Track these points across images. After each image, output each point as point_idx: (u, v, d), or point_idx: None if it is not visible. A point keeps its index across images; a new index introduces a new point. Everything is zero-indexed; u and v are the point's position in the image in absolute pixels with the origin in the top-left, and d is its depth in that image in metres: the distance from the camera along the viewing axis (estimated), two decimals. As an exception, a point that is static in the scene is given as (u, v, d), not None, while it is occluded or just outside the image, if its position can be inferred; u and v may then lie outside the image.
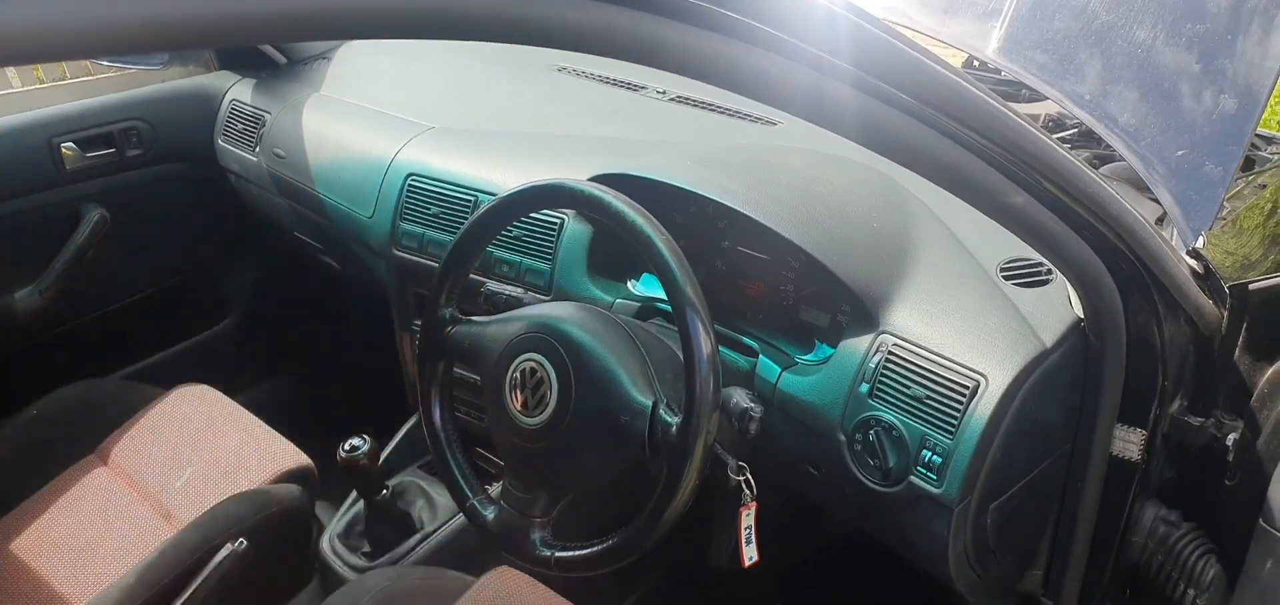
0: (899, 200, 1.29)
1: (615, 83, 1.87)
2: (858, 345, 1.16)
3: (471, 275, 1.52)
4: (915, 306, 1.14)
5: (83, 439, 1.71)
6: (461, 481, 1.23)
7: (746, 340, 1.30)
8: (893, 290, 1.16)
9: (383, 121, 1.91)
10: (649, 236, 1.04)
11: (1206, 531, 1.22)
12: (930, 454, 1.07)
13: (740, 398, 1.09)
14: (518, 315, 1.19)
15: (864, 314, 1.16)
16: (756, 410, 1.07)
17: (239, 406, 1.79)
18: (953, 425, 1.05)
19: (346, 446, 1.50)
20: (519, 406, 1.11)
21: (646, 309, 1.37)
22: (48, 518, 1.57)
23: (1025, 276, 1.15)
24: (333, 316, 2.53)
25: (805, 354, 1.28)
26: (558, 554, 1.11)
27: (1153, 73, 1.26)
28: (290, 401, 2.45)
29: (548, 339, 1.11)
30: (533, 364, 1.11)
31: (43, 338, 2.08)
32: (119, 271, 2.18)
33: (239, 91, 2.25)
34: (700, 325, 1.00)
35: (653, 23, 0.58)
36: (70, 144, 2.03)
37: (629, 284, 1.47)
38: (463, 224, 1.24)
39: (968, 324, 1.10)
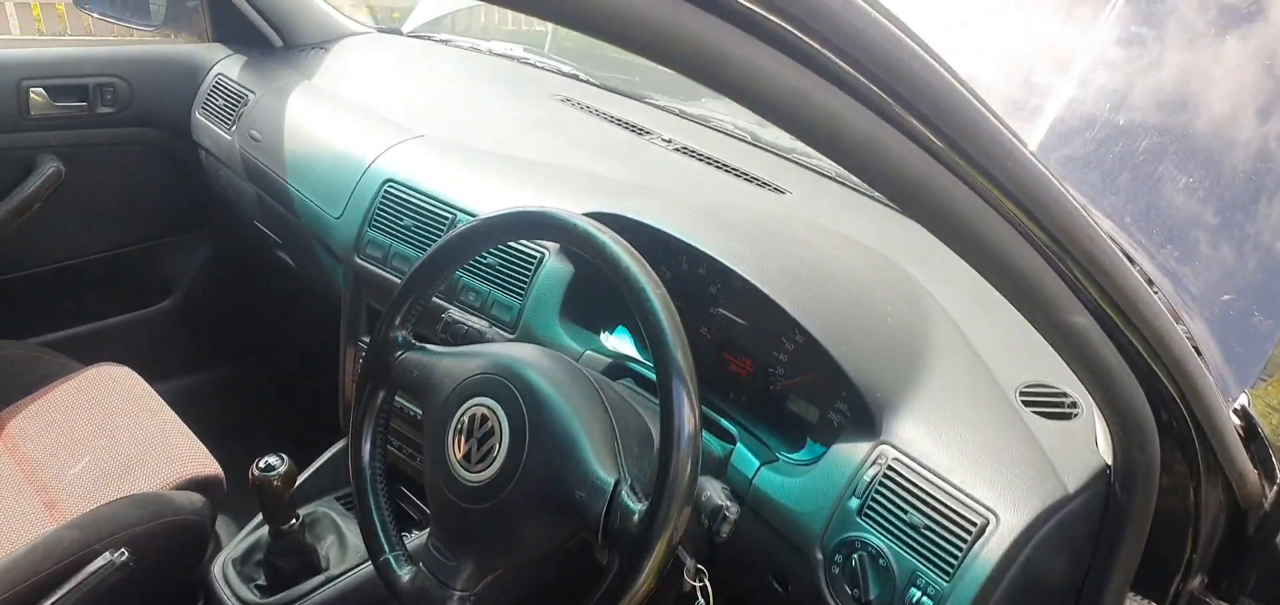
0: (917, 297, 1.16)
1: (618, 123, 1.75)
2: (853, 452, 1.01)
3: (435, 299, 1.37)
4: (924, 420, 1.00)
5: None
6: (380, 530, 1.07)
7: (725, 423, 1.16)
8: (901, 396, 1.02)
9: (369, 121, 1.79)
10: (641, 287, 0.90)
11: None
12: (920, 594, 0.92)
13: (714, 492, 0.95)
14: (477, 351, 1.04)
15: (865, 416, 1.02)
16: (732, 510, 0.93)
17: (158, 396, 1.64)
18: (951, 565, 0.91)
19: (261, 464, 1.33)
20: (460, 456, 0.96)
21: (618, 366, 1.23)
22: (-77, 486, 1.41)
23: (1048, 406, 1.02)
24: (279, 318, 2.38)
25: (788, 450, 1.13)
26: None
27: (1201, 210, 1.15)
28: (217, 400, 2.29)
29: (506, 385, 0.96)
30: (484, 410, 0.96)
31: None
32: (63, 232, 2.04)
33: (227, 66, 2.12)
34: (686, 400, 0.86)
35: (722, 30, 0.45)
36: (39, 89, 1.91)
37: (602, 335, 1.33)
38: (434, 241, 1.09)
39: (982, 451, 0.96)
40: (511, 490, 0.92)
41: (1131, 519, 0.93)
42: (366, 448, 1.10)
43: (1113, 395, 0.81)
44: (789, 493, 1.04)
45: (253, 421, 1.69)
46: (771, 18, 0.46)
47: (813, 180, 1.55)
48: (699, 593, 0.98)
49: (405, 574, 1.03)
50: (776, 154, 1.64)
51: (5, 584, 1.22)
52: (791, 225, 1.31)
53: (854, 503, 0.98)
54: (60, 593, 1.23)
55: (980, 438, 0.97)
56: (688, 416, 0.85)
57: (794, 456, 1.11)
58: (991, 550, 0.89)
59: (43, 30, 5.43)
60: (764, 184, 1.49)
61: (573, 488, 0.89)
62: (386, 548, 1.05)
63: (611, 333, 1.35)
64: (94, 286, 2.13)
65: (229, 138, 1.98)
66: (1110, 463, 0.95)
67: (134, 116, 2.05)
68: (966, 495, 0.93)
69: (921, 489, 0.95)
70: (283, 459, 1.36)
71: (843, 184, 1.52)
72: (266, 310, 2.38)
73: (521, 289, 1.35)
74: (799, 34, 0.47)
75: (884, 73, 0.50)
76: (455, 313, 1.25)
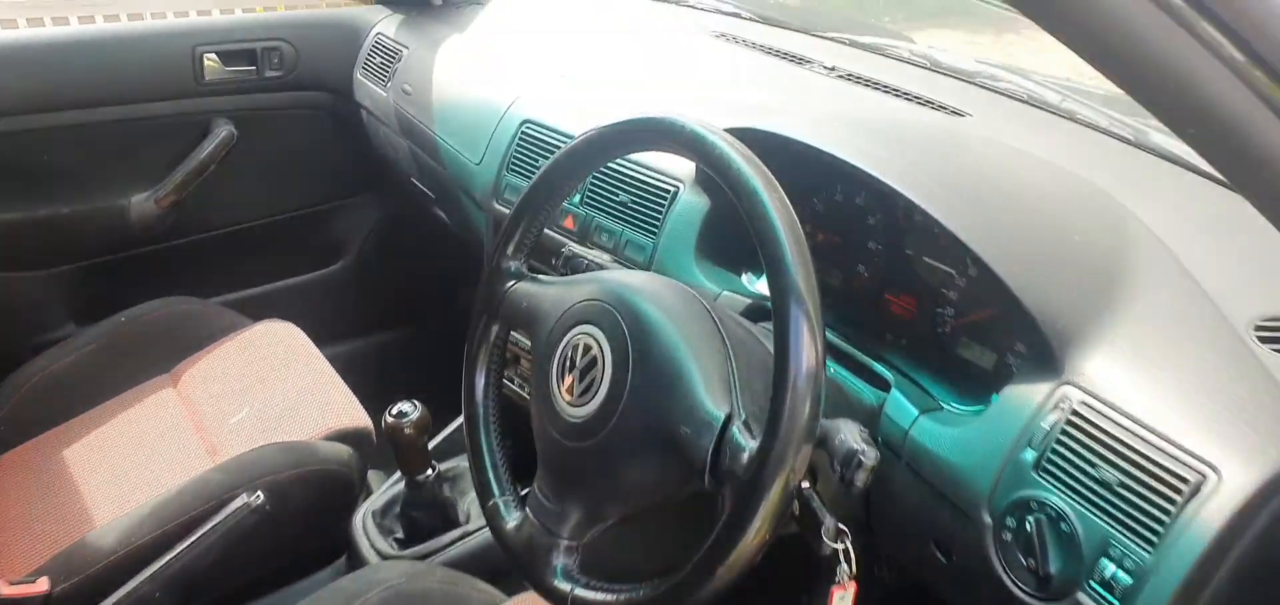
0: (1116, 217, 0.95)
1: (776, 53, 1.61)
2: (1029, 395, 0.83)
3: (555, 235, 1.29)
4: (1120, 355, 0.81)
5: (161, 356, 1.66)
6: (489, 472, 0.99)
7: (879, 368, 1.00)
8: (1090, 328, 0.83)
9: (512, 66, 1.74)
10: (755, 191, 0.77)
11: None
12: (1115, 568, 0.73)
13: (850, 434, 0.80)
14: (588, 278, 0.95)
15: (1045, 353, 0.84)
16: (868, 455, 0.78)
17: (318, 352, 1.66)
18: (1156, 533, 0.72)
19: (394, 410, 1.30)
20: (565, 391, 0.87)
21: (758, 308, 1.09)
22: (104, 431, 1.52)
23: None
24: (438, 277, 2.40)
25: (955, 400, 0.96)
26: (578, 592, 0.84)
27: None
28: (378, 359, 2.33)
29: (611, 311, 0.86)
30: (588, 339, 0.86)
31: (150, 248, 2.02)
32: (238, 194, 2.12)
33: (386, 26, 2.14)
34: (804, 323, 0.72)
35: None
36: (212, 55, 1.98)
37: (743, 276, 1.19)
38: None
39: (1198, 392, 0.76)
40: (613, 426, 0.81)
41: None
42: (480, 384, 1.02)
43: None
44: (950, 444, 0.88)
45: (416, 378, 1.70)
46: None
47: (999, 103, 1.35)
48: (841, 556, 0.84)
49: (513, 520, 0.94)
50: (960, 78, 1.44)
51: (157, 522, 1.27)
52: (962, 139, 1.13)
53: (1029, 455, 0.81)
54: (202, 530, 1.26)
55: (1196, 377, 0.77)
56: (806, 341, 0.71)
57: (960, 405, 0.94)
58: (1212, 513, 0.70)
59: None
60: (940, 107, 1.30)
61: (677, 422, 0.78)
62: (496, 492, 0.97)
63: (756, 276, 1.21)
64: (269, 248, 2.21)
65: (384, 94, 1.99)
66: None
67: (300, 80, 2.09)
68: (1175, 445, 0.73)
69: (1115, 438, 0.76)
70: (415, 406, 1.32)
71: (1035, 106, 1.31)
72: (426, 272, 2.41)
73: (655, 227, 1.24)
74: None
75: None
76: (575, 247, 1.16)
